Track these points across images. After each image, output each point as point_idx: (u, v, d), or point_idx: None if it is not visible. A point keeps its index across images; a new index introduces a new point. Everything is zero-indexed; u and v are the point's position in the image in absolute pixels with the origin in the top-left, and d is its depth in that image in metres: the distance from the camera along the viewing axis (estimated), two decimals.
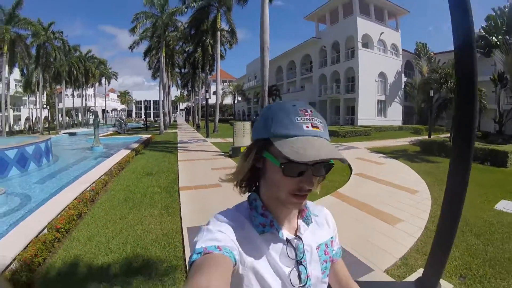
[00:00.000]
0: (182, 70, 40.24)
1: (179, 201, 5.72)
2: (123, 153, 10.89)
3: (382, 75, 28.63)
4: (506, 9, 20.46)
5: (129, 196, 6.13)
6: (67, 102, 50.37)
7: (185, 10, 23.07)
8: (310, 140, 0.64)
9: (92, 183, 6.34)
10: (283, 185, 0.68)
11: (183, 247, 3.78)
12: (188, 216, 4.88)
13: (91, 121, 51.27)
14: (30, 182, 8.05)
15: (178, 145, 15.89)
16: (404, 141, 16.11)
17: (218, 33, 22.23)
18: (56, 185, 7.27)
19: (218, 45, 22.38)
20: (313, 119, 0.68)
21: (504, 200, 5.82)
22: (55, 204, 4.86)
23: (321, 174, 0.69)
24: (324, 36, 32.09)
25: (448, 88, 12.46)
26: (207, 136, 21.27)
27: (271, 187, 0.72)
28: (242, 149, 11.23)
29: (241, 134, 11.82)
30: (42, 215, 4.38)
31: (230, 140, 14.13)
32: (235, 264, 0.64)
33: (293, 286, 0.72)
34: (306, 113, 0.68)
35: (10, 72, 32.06)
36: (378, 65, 27.97)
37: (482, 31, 22.56)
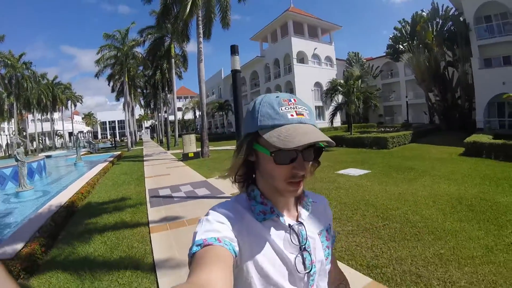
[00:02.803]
0: (144, 91, 43.03)
1: (145, 183, 9.66)
2: (103, 164, 14.58)
3: (318, 84, 33.49)
4: (407, 21, 25.93)
5: (115, 182, 10.14)
6: (34, 127, 52.29)
7: (143, 42, 26.72)
8: (295, 127, 0.67)
9: (89, 179, 10.13)
10: (277, 173, 0.70)
11: (145, 196, 7.75)
12: (148, 186, 8.98)
13: (65, 144, 53.40)
14: (40, 185, 11.56)
15: (144, 157, 19.61)
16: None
17: (172, 60, 25.80)
18: (59, 186, 10.72)
19: (173, 71, 25.90)
20: (297, 107, 0.70)
21: (350, 168, 9.43)
22: (74, 187, 8.79)
23: (312, 159, 0.71)
24: (267, 54, 37.04)
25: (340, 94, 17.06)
26: (168, 149, 25.39)
27: (267, 178, 0.74)
28: (190, 154, 15.43)
29: (188, 144, 15.94)
30: (71, 189, 8.31)
31: None
32: (235, 256, 0.65)
33: (299, 272, 0.72)
34: (289, 103, 0.70)
35: None
36: (313, 77, 32.88)
37: (391, 41, 28.08)
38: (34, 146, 47.35)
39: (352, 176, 8.36)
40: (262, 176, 0.76)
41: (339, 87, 16.36)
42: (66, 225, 5.63)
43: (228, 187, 7.67)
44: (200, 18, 15.34)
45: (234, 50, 5.93)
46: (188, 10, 13.92)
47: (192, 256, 0.61)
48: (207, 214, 0.73)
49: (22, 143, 9.72)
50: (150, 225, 5.18)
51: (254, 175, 0.81)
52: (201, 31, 15.37)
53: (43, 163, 14.31)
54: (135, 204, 6.95)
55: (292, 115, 0.68)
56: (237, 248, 0.66)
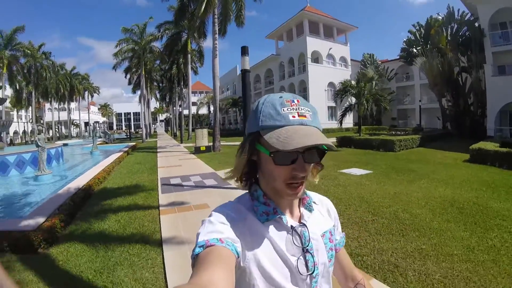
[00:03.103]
0: (160, 85, 43.67)
1: (157, 172, 10.17)
2: (119, 154, 15.21)
3: (331, 84, 33.65)
4: (423, 24, 25.85)
5: (129, 170, 10.72)
6: (51, 116, 53.98)
7: (160, 37, 27.31)
8: (296, 128, 0.66)
9: (105, 167, 10.69)
10: (277, 174, 0.70)
11: (157, 183, 8.27)
12: (161, 175, 9.49)
13: (81, 134, 54.88)
14: (58, 170, 12.19)
15: (158, 149, 20.25)
16: (333, 138, 19.44)
17: (189, 55, 26.28)
18: (76, 172, 11.28)
19: (189, 66, 26.35)
20: (300, 108, 0.70)
21: (353, 168, 9.73)
22: (91, 172, 9.35)
23: (314, 161, 0.71)
24: (282, 53, 37.44)
25: (351, 95, 17.29)
26: (181, 142, 26.01)
27: (267, 178, 0.75)
28: (201, 148, 15.93)
29: (200, 138, 16.46)
30: (88, 175, 8.89)
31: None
32: (238, 256, 0.65)
33: (301, 274, 0.72)
34: (292, 103, 0.70)
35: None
36: (327, 76, 33.04)
37: (404, 44, 28.02)
38: (51, 134, 48.86)
39: (353, 175, 8.68)
40: (264, 176, 0.77)
41: (350, 89, 16.54)
42: (83, 205, 6.15)
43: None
44: (216, 16, 15.78)
45: (244, 51, 6.33)
46: (203, 8, 14.40)
47: (195, 257, 0.62)
48: (209, 215, 0.73)
49: (43, 130, 10.25)
50: (160, 208, 5.69)
51: (257, 175, 0.81)
52: (216, 28, 15.80)
53: (60, 150, 14.97)
54: (148, 190, 7.48)
55: (293, 116, 0.68)
56: (239, 249, 0.66)
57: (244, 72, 6.28)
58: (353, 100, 17.31)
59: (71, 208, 5.44)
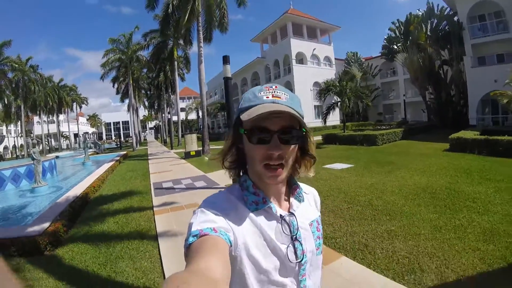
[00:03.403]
0: (148, 92, 43.82)
1: (150, 178, 10.57)
2: (111, 163, 15.49)
3: (317, 84, 34.06)
4: (402, 22, 26.56)
5: (123, 178, 11.12)
6: (40, 129, 53.78)
7: (147, 45, 27.63)
8: (265, 105, 0.70)
9: (99, 176, 11.04)
10: (254, 154, 0.73)
11: (150, 187, 8.70)
12: (153, 180, 9.92)
13: (71, 145, 54.65)
14: (53, 182, 12.47)
15: (149, 156, 20.66)
16: (319, 136, 19.59)
17: (175, 62, 26.63)
18: (71, 183, 11.48)
19: (176, 73, 26.76)
20: (276, 92, 0.74)
21: (335, 163, 10.15)
22: (86, 182, 9.71)
23: (292, 143, 0.73)
24: (267, 56, 37.96)
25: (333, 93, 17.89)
26: (171, 148, 26.40)
27: (250, 162, 0.78)
28: (191, 153, 16.36)
29: (190, 143, 16.91)
30: (84, 184, 9.25)
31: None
32: (230, 245, 0.66)
33: (291, 262, 0.74)
34: (269, 88, 0.75)
35: None
36: (312, 76, 33.63)
37: (385, 41, 28.73)
38: (41, 147, 48.64)
39: (334, 170, 9.16)
40: (248, 162, 0.79)
41: (332, 87, 17.11)
42: (82, 211, 6.55)
43: (223, 180, 8.52)
44: (200, 24, 16.22)
45: (226, 60, 6.82)
46: (187, 17, 14.84)
47: (188, 246, 0.62)
48: (201, 205, 0.74)
49: (37, 143, 10.60)
50: (154, 209, 6.16)
51: (247, 166, 0.83)
52: (201, 36, 16.26)
53: (54, 162, 15.20)
54: (142, 194, 7.94)
55: (267, 97, 0.72)
56: (232, 238, 0.67)
57: (226, 79, 6.74)
58: (337, 98, 17.76)
59: (71, 214, 5.84)
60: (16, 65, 34.04)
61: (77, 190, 8.34)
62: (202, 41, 16.27)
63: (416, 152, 11.84)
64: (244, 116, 0.68)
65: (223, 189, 0.82)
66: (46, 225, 5.06)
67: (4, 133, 48.82)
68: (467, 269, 3.07)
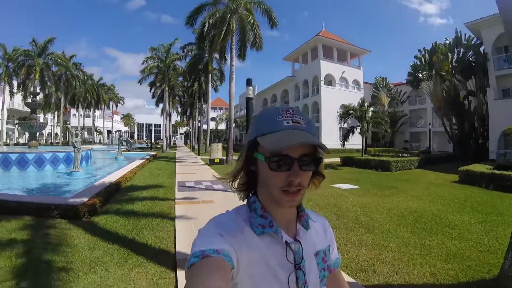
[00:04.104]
0: (182, 99, 45.79)
1: (175, 177, 11.85)
2: (141, 160, 16.98)
3: (343, 106, 34.90)
4: (427, 50, 26.79)
5: (152, 173, 12.59)
6: (76, 122, 57.44)
7: (184, 56, 29.60)
8: (289, 132, 0.69)
9: (130, 169, 12.38)
10: (273, 181, 0.71)
11: (175, 184, 9.92)
12: (178, 179, 11.20)
13: (104, 141, 57.71)
14: (88, 169, 13.90)
15: (176, 159, 22.15)
16: (337, 158, 20.79)
17: (210, 74, 28.17)
18: (104, 172, 12.75)
19: (209, 84, 28.23)
20: (294, 116, 0.73)
21: (344, 184, 10.83)
22: (119, 173, 11.08)
23: (309, 169, 0.72)
24: (297, 75, 39.43)
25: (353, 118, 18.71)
26: (198, 155, 28.08)
27: (264, 186, 0.75)
28: (216, 160, 17.63)
29: (215, 151, 18.35)
30: (117, 174, 10.61)
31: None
32: (233, 268, 0.64)
33: None
34: (287, 112, 0.73)
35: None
36: (339, 99, 34.37)
37: (411, 69, 29.02)
38: (83, 138, 51.69)
39: (339, 189, 9.91)
40: (261, 185, 0.77)
41: (352, 112, 17.93)
42: (115, 195, 7.83)
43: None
44: (233, 43, 17.62)
45: (249, 82, 7.99)
46: (222, 37, 16.30)
47: (190, 267, 0.61)
48: (206, 225, 0.73)
49: (80, 134, 12.09)
50: (176, 200, 7.37)
51: (256, 188, 0.81)
52: (234, 55, 17.64)
53: (90, 153, 16.82)
54: (167, 188, 9.20)
55: (288, 122, 0.71)
56: (235, 260, 0.65)
57: (248, 99, 7.88)
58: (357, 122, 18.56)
59: (106, 195, 7.08)
60: (60, 61, 37.05)
61: (111, 178, 9.67)
62: (234, 59, 17.65)
63: (424, 181, 12.24)
64: (267, 144, 0.67)
65: (230, 210, 0.82)
66: (85, 199, 6.28)
67: (41, 121, 52.11)
68: (414, 279, 3.54)
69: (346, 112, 18.35)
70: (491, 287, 3.42)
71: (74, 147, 11.14)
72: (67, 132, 54.94)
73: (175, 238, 4.64)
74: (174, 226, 5.22)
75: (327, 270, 0.85)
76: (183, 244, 4.32)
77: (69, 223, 5.26)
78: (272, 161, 0.69)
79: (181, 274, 3.37)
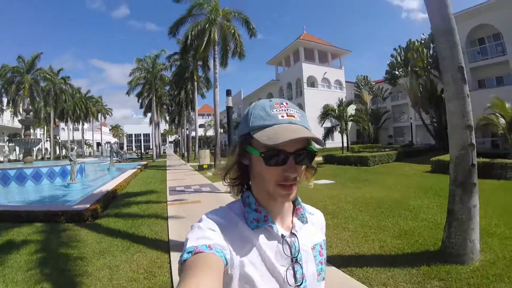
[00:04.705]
0: (170, 108, 46.23)
1: (166, 183, 12.72)
2: (133, 170, 17.77)
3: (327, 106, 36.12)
4: (403, 48, 27.93)
5: (144, 182, 13.40)
6: (65, 135, 57.48)
7: (170, 66, 30.47)
8: (284, 126, 0.68)
9: (124, 179, 13.18)
10: (269, 176, 0.70)
11: (166, 189, 10.81)
12: (169, 184, 12.10)
13: (93, 153, 57.94)
14: (84, 181, 14.61)
15: (167, 167, 23.05)
16: (320, 157, 21.48)
17: (195, 83, 28.92)
18: (100, 183, 13.46)
19: (196, 92, 29.08)
20: (289, 109, 0.72)
21: (322, 180, 11.66)
22: (114, 182, 11.91)
23: (304, 163, 0.72)
24: (281, 78, 40.54)
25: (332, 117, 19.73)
26: (188, 162, 28.99)
27: (259, 181, 0.74)
28: (204, 166, 18.55)
29: (203, 157, 19.36)
30: (112, 183, 11.44)
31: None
32: (226, 264, 0.64)
33: (289, 285, 0.71)
34: (281, 105, 0.72)
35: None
36: (322, 99, 35.24)
37: (388, 67, 30.25)
38: (64, 153, 51.90)
39: (316, 184, 10.78)
40: (255, 180, 0.77)
41: (331, 112, 18.95)
42: (113, 201, 8.70)
43: (225, 186, 10.58)
44: (216, 52, 18.50)
45: (228, 93, 9.09)
46: (203, 47, 17.26)
47: (182, 263, 0.61)
48: (199, 221, 0.72)
49: (75, 147, 12.90)
50: (168, 202, 8.30)
51: (249, 182, 0.81)
52: (217, 63, 18.48)
53: (83, 166, 17.47)
54: (159, 193, 10.15)
55: (282, 116, 0.70)
56: (228, 256, 0.66)
57: (228, 108, 8.85)
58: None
59: (105, 201, 7.94)
60: (48, 76, 37.61)
61: (108, 186, 10.53)
62: (218, 67, 18.50)
63: (398, 173, 13.17)
64: (263, 139, 0.66)
65: (223, 205, 0.81)
66: (88, 205, 7.14)
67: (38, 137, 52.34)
68: (364, 251, 4.21)
69: (325, 113, 19.36)
70: (431, 256, 3.96)
71: (70, 160, 11.93)
72: (57, 147, 55.06)
73: (168, 231, 5.54)
74: (167, 222, 6.13)
75: (324, 264, 0.84)
76: (175, 234, 5.23)
77: (75, 225, 6.12)
78: (267, 156, 0.68)
79: (173, 255, 4.25)
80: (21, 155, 43.62)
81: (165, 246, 4.77)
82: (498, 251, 4.04)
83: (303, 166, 0.73)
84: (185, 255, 0.62)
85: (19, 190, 12.24)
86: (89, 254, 4.48)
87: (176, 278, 3.53)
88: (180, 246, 4.20)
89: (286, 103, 0.74)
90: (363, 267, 3.68)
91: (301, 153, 0.70)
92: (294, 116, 0.71)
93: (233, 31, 18.38)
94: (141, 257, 4.33)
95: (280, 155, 0.68)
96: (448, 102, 4.22)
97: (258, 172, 0.73)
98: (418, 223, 5.44)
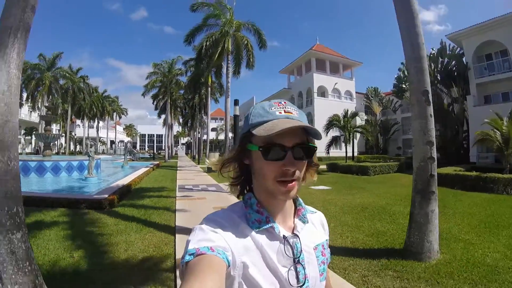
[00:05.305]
0: (183, 111, 47.41)
1: (176, 181, 13.72)
2: (146, 168, 18.80)
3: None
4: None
5: (156, 179, 14.46)
6: (80, 132, 59.23)
7: (185, 72, 31.66)
8: (281, 120, 0.70)
9: (137, 176, 14.19)
10: (268, 171, 0.71)
11: (176, 187, 11.80)
12: (179, 183, 13.11)
13: (107, 151, 59.63)
14: (100, 176, 15.60)
15: (178, 168, 24.16)
16: (324, 165, 21.92)
17: (209, 88, 29.96)
18: (115, 178, 14.38)
19: (209, 97, 30.24)
20: (286, 107, 0.74)
21: (321, 186, 12.27)
22: (128, 178, 12.92)
23: (303, 158, 0.73)
24: (293, 87, 41.59)
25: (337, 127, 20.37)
26: (198, 163, 30.09)
27: (259, 178, 0.75)
28: (213, 168, 19.44)
29: (212, 159, 20.08)
30: (127, 178, 12.49)
31: None
32: (228, 265, 0.64)
33: (291, 286, 0.72)
34: (279, 104, 0.75)
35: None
36: (332, 109, 35.63)
37: (396, 80, 30.73)
38: (78, 148, 53.47)
39: (314, 189, 11.47)
40: (256, 179, 0.78)
41: (336, 122, 19.67)
42: (128, 194, 9.72)
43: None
44: (229, 62, 19.46)
45: (236, 102, 10.04)
46: (217, 56, 18.28)
47: (184, 265, 0.62)
48: (201, 223, 0.72)
49: (94, 144, 13.97)
50: (176, 198, 9.23)
51: (251, 184, 0.82)
52: (230, 72, 19.42)
53: (99, 162, 18.48)
54: (169, 189, 11.10)
55: (280, 113, 0.72)
56: (230, 258, 0.65)
57: (235, 116, 9.76)
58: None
59: (121, 194, 8.92)
60: (68, 75, 39.19)
61: (123, 181, 11.60)
62: (230, 76, 19.44)
63: (395, 183, 13.64)
64: (261, 132, 0.68)
65: (225, 204, 1.56)
66: (106, 195, 8.13)
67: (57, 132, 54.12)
68: (336, 244, 4.78)
69: (330, 123, 20.06)
70: (394, 252, 4.43)
71: (89, 156, 12.99)
72: (71, 142, 56.88)
73: (175, 219, 6.48)
74: (175, 213, 7.07)
75: (326, 264, 0.85)
76: (180, 222, 6.16)
77: (95, 212, 7.11)
78: (266, 150, 0.70)
79: (178, 237, 5.14)
80: (37, 149, 45.80)
81: (172, 230, 5.68)
82: (458, 254, 4.44)
83: (303, 162, 0.74)
84: (187, 257, 0.62)
85: (38, 181, 13.22)
86: (109, 232, 5.45)
87: (179, 251, 4.42)
88: (184, 231, 5.41)
89: (285, 102, 0.76)
90: (331, 256, 4.48)
91: (300, 148, 0.72)
92: (291, 113, 0.73)
93: (246, 42, 19.28)
94: (151, 236, 5.27)
95: (278, 149, 0.70)
96: (413, 120, 4.87)
97: (257, 169, 0.75)
98: (394, 226, 5.96)
